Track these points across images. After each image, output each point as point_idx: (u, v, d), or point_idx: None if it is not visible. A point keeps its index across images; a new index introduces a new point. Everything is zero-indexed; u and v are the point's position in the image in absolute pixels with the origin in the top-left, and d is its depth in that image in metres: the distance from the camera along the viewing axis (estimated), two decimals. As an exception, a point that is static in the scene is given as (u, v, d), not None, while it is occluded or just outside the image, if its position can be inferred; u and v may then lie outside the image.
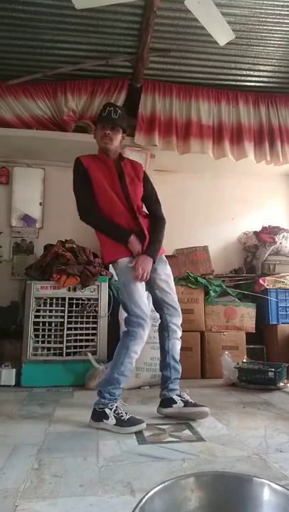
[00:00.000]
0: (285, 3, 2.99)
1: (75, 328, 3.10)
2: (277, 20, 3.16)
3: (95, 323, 3.15)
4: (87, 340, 3.13)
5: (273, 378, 2.87)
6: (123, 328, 3.04)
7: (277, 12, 3.08)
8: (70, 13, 3.01)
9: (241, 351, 3.52)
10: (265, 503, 0.87)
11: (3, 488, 1.28)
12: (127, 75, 3.82)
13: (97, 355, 3.05)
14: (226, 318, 3.62)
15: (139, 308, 2.04)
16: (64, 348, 3.05)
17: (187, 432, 1.87)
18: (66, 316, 3.09)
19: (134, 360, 2.03)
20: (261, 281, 3.86)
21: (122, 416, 1.91)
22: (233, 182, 4.66)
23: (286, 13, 3.08)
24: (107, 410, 1.93)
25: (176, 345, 2.20)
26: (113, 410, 1.92)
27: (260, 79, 3.96)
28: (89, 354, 2.99)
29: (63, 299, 3.12)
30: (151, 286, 2.23)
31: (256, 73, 3.87)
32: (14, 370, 3.00)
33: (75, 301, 3.13)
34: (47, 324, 3.08)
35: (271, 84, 4.05)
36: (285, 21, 3.17)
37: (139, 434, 1.84)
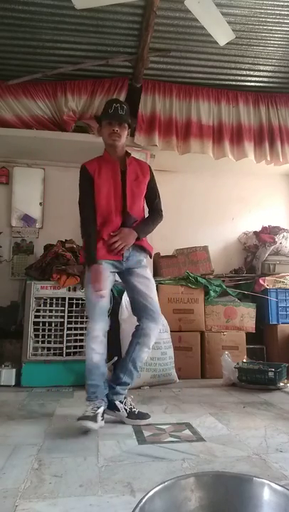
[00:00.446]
0: (285, 3, 2.99)
1: (75, 328, 3.10)
2: (277, 20, 3.16)
3: (95, 323, 3.14)
4: (87, 340, 3.13)
5: (273, 378, 2.87)
6: (123, 328, 3.06)
7: (277, 12, 3.08)
8: (70, 13, 3.00)
9: (241, 351, 3.52)
10: (265, 503, 0.87)
11: (3, 488, 1.28)
12: (127, 75, 3.81)
13: (97, 355, 3.04)
14: (226, 318, 3.62)
15: (92, 302, 2.08)
16: (64, 348, 3.05)
17: (187, 432, 1.87)
18: (66, 316, 3.09)
19: (92, 355, 2.03)
20: (261, 281, 3.86)
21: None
22: (233, 182, 4.66)
23: (286, 13, 3.08)
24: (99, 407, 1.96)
25: (142, 352, 2.14)
26: (86, 405, 1.95)
27: (260, 79, 3.96)
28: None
29: (63, 299, 3.12)
30: (130, 289, 2.23)
31: (256, 73, 3.87)
32: (14, 370, 3.00)
33: (75, 301, 3.13)
34: (47, 324, 3.08)
35: (271, 84, 4.05)
36: (285, 21, 3.17)
37: (139, 434, 1.84)
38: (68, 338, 3.08)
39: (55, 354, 3.04)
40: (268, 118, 4.12)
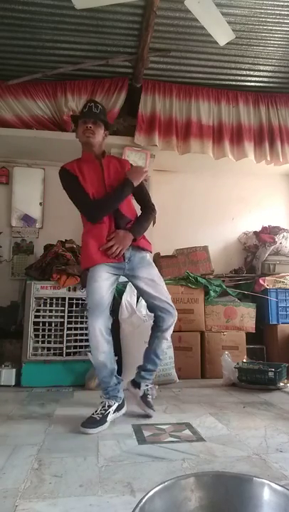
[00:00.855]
0: (285, 3, 2.99)
1: (75, 328, 3.10)
2: (277, 20, 3.16)
3: (95, 323, 3.14)
4: (87, 340, 3.11)
5: (273, 378, 2.87)
6: (123, 328, 3.06)
7: (277, 12, 3.08)
8: (70, 13, 3.01)
9: (241, 351, 3.52)
10: (265, 503, 0.87)
11: (3, 488, 1.28)
12: (127, 75, 3.81)
13: (97, 355, 3.04)
14: (226, 318, 3.62)
15: (90, 299, 2.10)
16: (64, 348, 3.05)
17: (187, 432, 1.87)
18: (66, 316, 3.09)
19: (97, 355, 2.08)
20: (261, 281, 3.86)
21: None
22: (233, 182, 4.66)
23: (286, 13, 3.08)
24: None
25: (161, 344, 2.31)
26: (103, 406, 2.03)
27: (260, 79, 3.96)
28: (89, 354, 2.97)
29: (63, 299, 3.12)
30: (140, 293, 2.31)
31: (256, 73, 3.87)
32: (14, 370, 3.00)
33: (75, 301, 3.13)
34: (47, 324, 3.08)
35: (271, 84, 4.05)
36: (285, 21, 3.17)
37: (139, 434, 1.84)
38: (68, 338, 3.08)
39: (55, 354, 3.04)
40: (267, 118, 4.12)
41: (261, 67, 3.78)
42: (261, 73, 3.87)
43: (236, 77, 3.94)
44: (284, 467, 1.45)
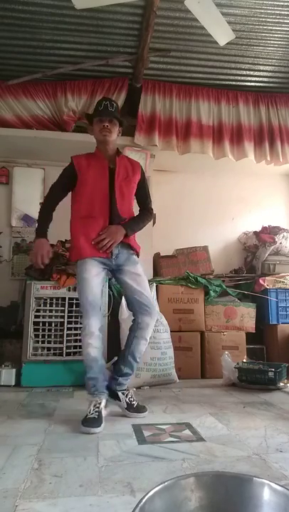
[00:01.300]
0: (285, 3, 2.99)
1: (75, 328, 3.10)
2: (277, 20, 3.16)
3: (95, 323, 3.14)
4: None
5: (273, 378, 2.87)
6: (123, 328, 3.06)
7: (277, 12, 3.08)
8: (70, 13, 3.01)
9: (241, 351, 3.52)
10: (265, 503, 0.87)
11: (3, 488, 1.28)
12: (127, 75, 3.82)
13: (97, 355, 3.04)
14: (226, 318, 3.62)
15: (85, 299, 2.11)
16: (64, 348, 3.05)
17: (187, 432, 1.87)
18: (66, 316, 3.09)
19: (89, 350, 2.08)
20: (261, 281, 3.86)
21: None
22: (233, 182, 4.66)
23: (286, 13, 3.08)
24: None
25: (140, 345, 2.22)
26: (89, 403, 2.03)
27: (260, 79, 3.96)
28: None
29: (63, 299, 3.11)
30: (123, 287, 2.27)
31: (256, 73, 3.87)
32: (14, 370, 3.00)
33: (75, 301, 3.12)
34: (47, 324, 3.08)
35: (271, 84, 4.05)
36: (285, 21, 3.17)
37: (139, 434, 1.84)
38: (68, 338, 3.07)
39: (55, 354, 3.04)
40: (267, 118, 4.12)
41: (261, 67, 3.79)
42: (261, 73, 3.88)
43: (236, 77, 3.94)
44: (284, 467, 1.45)
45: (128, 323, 3.05)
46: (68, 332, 3.08)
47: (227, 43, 3.02)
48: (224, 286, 3.74)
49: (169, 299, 3.53)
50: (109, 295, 3.25)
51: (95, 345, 2.09)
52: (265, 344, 3.85)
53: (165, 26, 3.21)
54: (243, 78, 3.95)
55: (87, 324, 2.10)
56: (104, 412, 2.01)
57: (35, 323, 3.06)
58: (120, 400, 2.15)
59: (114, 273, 2.28)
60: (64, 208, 2.38)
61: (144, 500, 0.79)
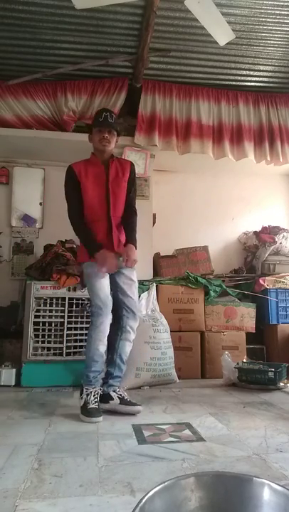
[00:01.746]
0: (285, 3, 2.99)
1: (75, 328, 3.10)
2: (277, 20, 3.16)
3: (95, 323, 3.14)
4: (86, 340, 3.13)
5: (273, 378, 2.87)
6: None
7: (277, 12, 3.08)
8: (70, 13, 3.01)
9: (241, 351, 3.52)
10: (265, 503, 0.87)
11: (3, 488, 1.28)
12: (127, 75, 3.81)
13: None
14: (226, 318, 3.62)
15: (98, 298, 2.23)
16: (64, 348, 3.05)
17: (187, 432, 1.87)
18: (66, 316, 3.09)
19: (99, 346, 2.21)
20: (261, 281, 3.86)
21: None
22: (233, 182, 4.66)
23: (286, 13, 3.08)
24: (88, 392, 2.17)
25: (126, 347, 2.35)
26: (86, 394, 2.14)
27: (260, 79, 3.96)
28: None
29: (63, 299, 3.12)
30: (114, 287, 2.36)
31: (256, 73, 3.87)
32: (14, 370, 3.00)
33: (75, 301, 3.13)
34: (47, 324, 3.08)
35: (271, 84, 4.05)
36: (285, 21, 3.17)
37: (139, 434, 1.84)
38: (68, 338, 3.07)
39: (55, 354, 3.04)
40: (267, 118, 4.12)
41: (261, 67, 3.78)
42: (261, 73, 3.87)
43: (236, 77, 3.94)
44: (284, 467, 1.45)
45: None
46: (68, 332, 3.08)
47: (227, 43, 3.01)
48: (224, 286, 3.74)
49: (169, 299, 3.53)
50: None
51: (104, 341, 2.23)
52: (265, 344, 3.85)
53: (165, 26, 3.21)
54: (243, 78, 3.94)
55: (100, 321, 2.21)
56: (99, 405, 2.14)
57: (35, 323, 3.06)
58: (113, 399, 2.22)
59: (112, 275, 2.38)
60: (64, 208, 2.40)
61: (144, 500, 0.80)
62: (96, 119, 2.38)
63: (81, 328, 3.11)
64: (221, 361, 3.09)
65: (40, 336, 3.05)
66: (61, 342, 3.06)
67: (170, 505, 0.85)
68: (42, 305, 3.09)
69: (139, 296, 3.13)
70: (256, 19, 3.15)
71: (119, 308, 2.35)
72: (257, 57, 3.62)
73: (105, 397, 2.23)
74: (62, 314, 3.10)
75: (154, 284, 3.47)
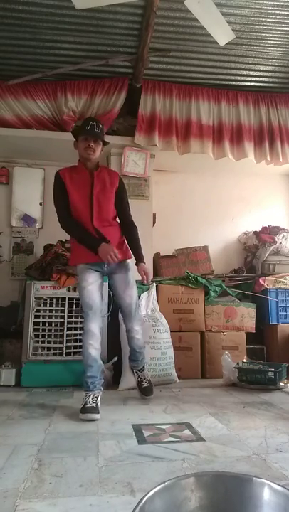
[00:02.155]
0: (285, 3, 2.99)
1: (75, 328, 3.10)
2: (277, 20, 3.16)
3: (95, 323, 3.14)
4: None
5: (273, 378, 2.87)
6: (123, 328, 3.06)
7: (277, 12, 3.08)
8: (70, 13, 3.01)
9: (241, 351, 3.52)
10: (265, 503, 0.87)
11: (3, 488, 1.28)
12: (127, 75, 3.81)
13: (97, 355, 3.04)
14: (226, 318, 3.62)
15: (85, 304, 2.33)
16: (64, 348, 3.05)
17: (187, 432, 1.87)
18: (66, 316, 3.09)
19: (91, 351, 2.27)
20: (261, 281, 3.86)
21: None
22: (233, 182, 4.66)
23: (286, 13, 3.08)
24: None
25: (135, 341, 2.53)
26: (86, 397, 2.20)
27: (260, 79, 3.96)
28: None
29: (63, 299, 3.12)
30: (113, 292, 2.55)
31: (256, 73, 3.87)
32: (14, 370, 3.00)
33: (75, 301, 3.13)
34: (47, 324, 3.08)
35: (271, 84, 4.05)
36: (285, 21, 3.17)
37: (139, 434, 1.84)
38: (68, 338, 3.07)
39: (55, 354, 3.04)
40: (267, 118, 4.12)
41: (261, 67, 3.78)
42: (261, 73, 3.87)
43: (236, 77, 3.94)
44: (284, 467, 1.45)
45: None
46: (68, 332, 3.08)
47: (227, 43, 3.01)
48: (224, 286, 3.74)
49: (169, 299, 3.53)
50: (109, 295, 3.24)
51: (95, 346, 2.30)
52: (265, 344, 3.85)
53: (165, 26, 3.21)
54: (243, 78, 3.94)
55: (88, 327, 2.31)
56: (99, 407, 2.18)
57: (35, 323, 3.06)
58: (134, 376, 2.62)
59: (108, 277, 2.52)
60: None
61: (144, 500, 0.80)
62: (82, 128, 2.42)
63: (81, 328, 3.10)
64: (221, 361, 3.09)
65: (40, 336, 3.05)
66: (61, 342, 3.06)
67: (170, 505, 0.85)
68: (42, 305, 3.09)
69: (139, 296, 3.14)
70: (256, 19, 3.15)
71: (121, 311, 2.55)
72: (257, 57, 3.62)
73: (132, 371, 2.64)
74: (62, 314, 3.10)
75: (154, 284, 3.47)
